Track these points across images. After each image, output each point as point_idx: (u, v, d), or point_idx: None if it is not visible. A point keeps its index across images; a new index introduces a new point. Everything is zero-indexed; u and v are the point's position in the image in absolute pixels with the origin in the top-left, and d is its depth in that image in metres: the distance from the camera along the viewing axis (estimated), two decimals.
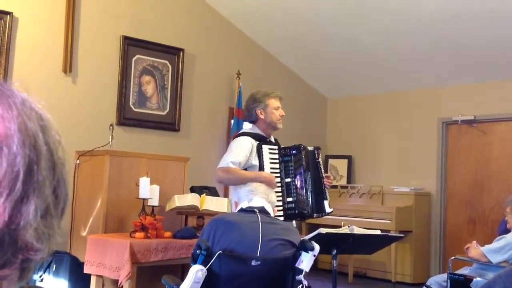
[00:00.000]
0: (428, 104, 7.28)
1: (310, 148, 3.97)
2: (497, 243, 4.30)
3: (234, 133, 6.73)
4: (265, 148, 3.82)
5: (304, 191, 3.79)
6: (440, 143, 7.19)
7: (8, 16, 5.30)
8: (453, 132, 7.17)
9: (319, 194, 3.91)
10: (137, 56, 6.23)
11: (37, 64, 5.49)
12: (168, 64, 6.48)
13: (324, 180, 3.95)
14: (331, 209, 4.00)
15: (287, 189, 3.78)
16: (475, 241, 4.47)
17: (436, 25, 6.11)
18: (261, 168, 3.77)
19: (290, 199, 3.76)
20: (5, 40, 5.27)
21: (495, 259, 4.17)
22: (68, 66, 5.68)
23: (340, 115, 8.23)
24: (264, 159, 3.78)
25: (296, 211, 3.76)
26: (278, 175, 3.79)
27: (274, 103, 3.91)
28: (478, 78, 6.76)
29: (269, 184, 3.67)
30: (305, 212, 3.78)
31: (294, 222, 3.90)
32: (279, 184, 3.78)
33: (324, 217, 4.17)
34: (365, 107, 7.93)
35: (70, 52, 5.68)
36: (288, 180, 3.79)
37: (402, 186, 7.13)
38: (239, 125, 6.77)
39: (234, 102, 6.88)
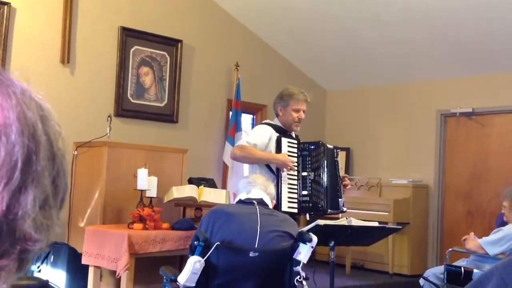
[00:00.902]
0: (427, 96, 7.28)
1: (329, 146, 4.01)
2: (494, 235, 4.31)
3: (232, 124, 6.73)
4: (284, 140, 3.86)
5: (320, 186, 3.82)
6: (438, 135, 7.19)
7: (6, 6, 5.27)
8: (451, 125, 7.17)
9: (335, 192, 3.93)
10: (135, 47, 6.21)
11: (35, 55, 5.47)
12: (167, 56, 6.46)
13: (341, 180, 3.99)
14: (345, 209, 4.04)
15: (303, 183, 3.82)
16: (472, 233, 4.49)
17: (435, 18, 6.09)
18: None
19: (305, 192, 3.80)
20: (3, 31, 5.25)
21: (492, 251, 4.19)
22: (66, 57, 5.66)
23: (339, 108, 8.23)
24: (282, 151, 3.81)
25: (310, 205, 3.79)
26: (296, 168, 3.82)
27: (295, 104, 3.92)
28: (477, 71, 6.76)
29: (283, 166, 3.70)
30: (319, 206, 3.81)
31: (308, 216, 3.93)
32: (295, 177, 3.81)
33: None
34: (364, 99, 7.93)
35: (68, 43, 5.66)
36: (304, 174, 3.83)
37: (400, 178, 7.14)
38: (237, 117, 6.77)
39: (232, 94, 6.87)
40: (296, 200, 3.79)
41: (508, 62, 6.40)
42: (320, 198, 3.82)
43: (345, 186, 4.03)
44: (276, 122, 4.02)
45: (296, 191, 3.80)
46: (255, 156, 3.73)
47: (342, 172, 4.22)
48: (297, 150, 3.88)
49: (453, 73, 6.96)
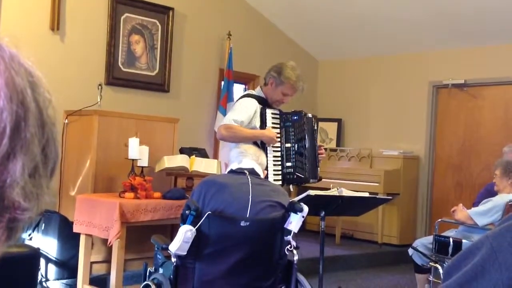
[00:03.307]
0: (419, 68, 7.26)
1: (309, 115, 3.98)
2: (483, 206, 4.35)
3: (224, 94, 6.70)
4: (268, 112, 3.83)
5: (303, 157, 3.82)
6: (430, 107, 7.20)
7: None
8: (443, 96, 7.18)
9: (314, 161, 3.94)
10: (126, 14, 6.12)
11: (24, 22, 5.39)
12: (158, 24, 6.39)
13: (318, 149, 3.99)
14: (321, 177, 4.07)
15: (286, 154, 3.81)
16: (461, 204, 4.52)
17: None
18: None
19: (289, 164, 3.80)
20: None
21: (481, 221, 4.23)
22: (56, 23, 5.57)
23: (331, 78, 8.20)
24: (267, 123, 3.79)
25: (295, 176, 3.80)
26: (279, 139, 3.81)
27: (287, 89, 3.87)
28: (469, 43, 6.74)
29: (270, 142, 3.70)
30: (303, 177, 3.82)
31: (291, 186, 3.94)
32: (279, 149, 3.80)
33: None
34: (356, 70, 7.90)
35: (58, 9, 5.57)
36: (288, 145, 3.82)
37: (391, 149, 7.17)
38: (229, 87, 6.73)
39: (224, 64, 6.82)
40: (280, 172, 3.79)
41: (500, 34, 6.38)
42: (304, 169, 3.83)
43: (320, 155, 4.02)
44: (259, 92, 3.95)
45: (280, 163, 3.79)
46: (242, 135, 3.69)
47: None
48: (280, 121, 3.87)
49: (445, 44, 6.93)
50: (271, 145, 3.76)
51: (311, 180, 3.93)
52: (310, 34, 7.73)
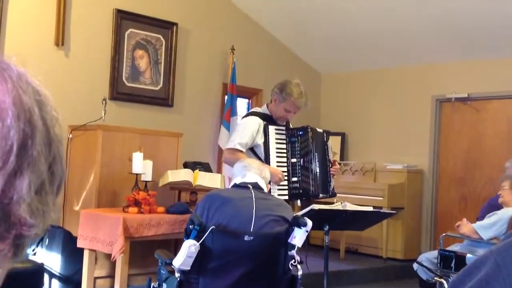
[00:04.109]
0: (422, 81, 7.27)
1: (319, 130, 4.00)
2: (488, 220, 4.33)
3: (228, 109, 6.72)
4: (271, 128, 3.85)
5: (309, 171, 3.82)
6: (433, 120, 7.20)
7: None
8: (446, 110, 7.18)
9: (325, 176, 3.93)
10: (130, 29, 6.16)
11: (29, 37, 5.42)
12: (162, 39, 6.42)
13: (331, 164, 3.98)
14: (336, 192, 4.05)
15: (292, 169, 3.82)
16: (465, 219, 4.50)
17: (431, 2, 6.07)
18: (266, 147, 3.81)
19: (295, 179, 3.81)
20: None
21: (486, 235, 4.21)
22: (61, 39, 5.61)
23: (334, 91, 8.21)
24: (270, 139, 3.81)
25: (301, 191, 3.80)
26: (285, 155, 3.82)
27: (289, 106, 3.89)
28: (473, 56, 6.75)
29: (276, 181, 3.68)
30: (310, 192, 3.82)
31: (299, 201, 3.94)
32: (285, 164, 3.81)
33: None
34: (359, 83, 7.92)
35: (63, 25, 5.61)
36: (294, 160, 3.83)
37: (395, 163, 7.16)
38: (233, 101, 6.75)
39: (228, 78, 6.84)
40: (286, 187, 3.80)
41: (504, 47, 6.39)
42: (310, 184, 3.83)
43: (333, 171, 4.01)
44: (265, 109, 4.00)
45: (285, 177, 3.80)
46: None
47: (335, 157, 4.22)
48: (286, 137, 3.88)
49: (449, 58, 6.95)
50: (275, 183, 3.73)
51: (320, 195, 3.92)
52: (313, 48, 7.76)
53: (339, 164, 4.38)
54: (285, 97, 3.86)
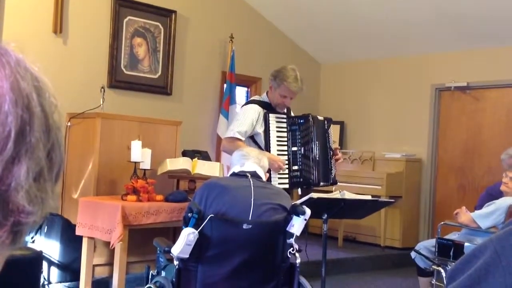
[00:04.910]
0: (422, 70, 7.26)
1: (320, 118, 3.98)
2: (486, 209, 4.33)
3: (227, 97, 6.70)
4: (272, 116, 3.84)
5: (310, 160, 3.82)
6: (432, 109, 7.20)
7: None
8: (446, 99, 7.17)
9: (326, 164, 3.93)
10: (129, 17, 6.13)
11: (27, 25, 5.40)
12: (160, 26, 6.39)
13: (332, 152, 3.98)
14: (337, 180, 4.05)
15: (293, 158, 3.82)
16: (464, 207, 4.51)
17: None
18: (267, 135, 3.80)
19: (295, 167, 3.81)
20: None
21: (484, 224, 4.22)
22: (59, 26, 5.59)
23: (333, 81, 8.20)
24: (270, 127, 3.81)
25: (301, 179, 3.80)
26: (285, 143, 3.81)
27: (284, 91, 3.87)
28: (472, 45, 6.73)
29: (276, 169, 3.68)
30: (310, 180, 3.82)
31: (299, 190, 3.94)
32: (286, 153, 3.81)
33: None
34: (359, 72, 7.90)
35: (61, 13, 5.58)
36: (294, 148, 3.83)
37: (393, 152, 7.16)
38: (231, 89, 6.74)
39: (227, 66, 6.83)
40: (287, 176, 3.80)
41: (503, 36, 6.38)
42: (311, 172, 3.82)
43: (336, 160, 4.02)
44: (264, 97, 4.00)
45: (286, 166, 3.80)
46: None
47: (335, 144, 4.21)
48: (287, 125, 3.87)
49: (448, 47, 6.93)
50: (276, 171, 3.73)
51: (321, 183, 3.92)
52: (313, 37, 7.73)
53: (343, 153, 4.42)
54: (279, 83, 3.86)
